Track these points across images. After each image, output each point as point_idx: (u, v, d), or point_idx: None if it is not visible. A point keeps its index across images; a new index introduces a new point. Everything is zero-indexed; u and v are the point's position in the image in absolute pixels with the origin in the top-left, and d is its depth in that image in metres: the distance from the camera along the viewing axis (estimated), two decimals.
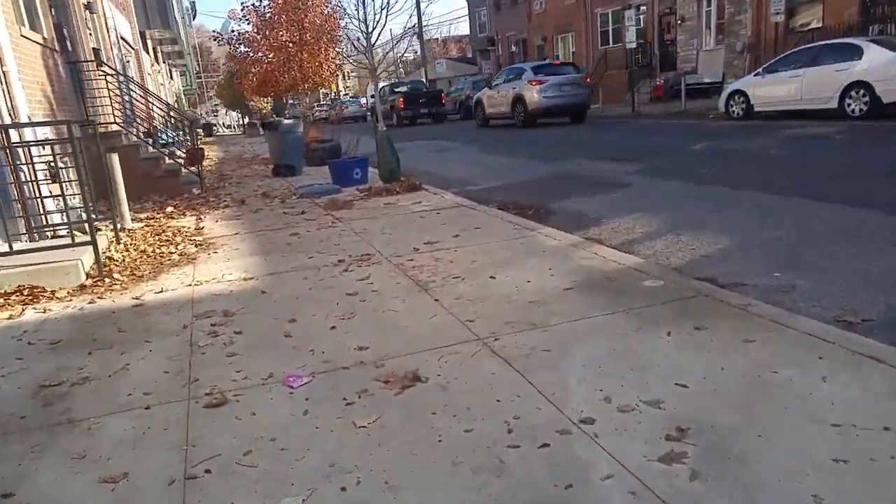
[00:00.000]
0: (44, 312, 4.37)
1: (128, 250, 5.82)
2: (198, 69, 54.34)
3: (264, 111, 30.62)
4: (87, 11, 11.71)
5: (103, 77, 10.68)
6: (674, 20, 27.78)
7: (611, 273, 4.24)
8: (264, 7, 15.53)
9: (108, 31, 13.75)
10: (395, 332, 3.50)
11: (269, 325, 3.79)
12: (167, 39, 24.49)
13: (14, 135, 6.06)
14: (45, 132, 6.52)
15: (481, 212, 6.87)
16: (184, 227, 7.17)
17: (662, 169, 9.09)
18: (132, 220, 7.78)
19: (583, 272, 4.30)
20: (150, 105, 13.81)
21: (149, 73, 21.40)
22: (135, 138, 9.83)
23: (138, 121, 13.33)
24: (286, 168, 11.59)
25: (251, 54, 16.59)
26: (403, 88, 31.04)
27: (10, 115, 6.08)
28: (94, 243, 4.92)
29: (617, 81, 28.76)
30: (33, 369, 3.42)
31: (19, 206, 5.80)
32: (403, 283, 4.42)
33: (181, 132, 19.04)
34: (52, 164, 6.09)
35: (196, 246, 6.02)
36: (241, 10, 16.11)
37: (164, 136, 16.03)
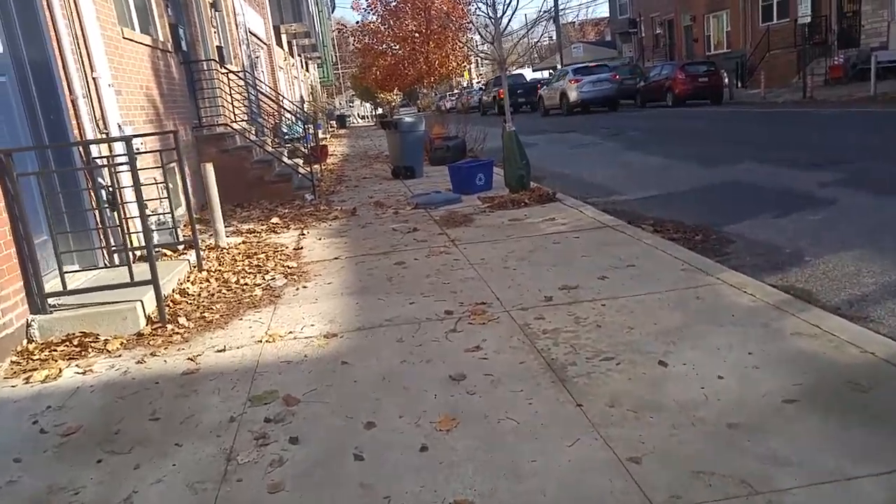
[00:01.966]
0: (83, 374, 3.53)
1: (209, 280, 4.97)
2: (335, 60, 55.52)
3: (392, 104, 30.26)
4: (213, 10, 11.33)
5: (225, 75, 10.21)
6: None
7: (854, 371, 2.73)
8: None
9: (236, 28, 13.46)
10: (512, 478, 2.25)
11: (337, 432, 2.67)
12: (301, 33, 24.53)
13: (102, 148, 5.41)
14: (141, 143, 5.86)
15: (632, 237, 5.44)
16: (282, 245, 6.31)
17: (875, 179, 7.09)
18: (233, 232, 7.06)
19: (805, 364, 2.83)
20: (276, 101, 13.40)
21: (280, 67, 21.40)
22: (249, 140, 9.23)
23: (264, 117, 12.93)
24: (405, 170, 10.62)
25: (375, 46, 15.86)
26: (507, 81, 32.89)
27: (95, 127, 5.43)
28: (155, 283, 4.05)
29: (783, 63, 25.58)
30: (22, 485, 2.52)
31: (100, 232, 5.11)
32: (529, 362, 3.15)
33: (309, 126, 18.83)
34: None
35: (286, 276, 5.08)
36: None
37: (290, 132, 15.73)
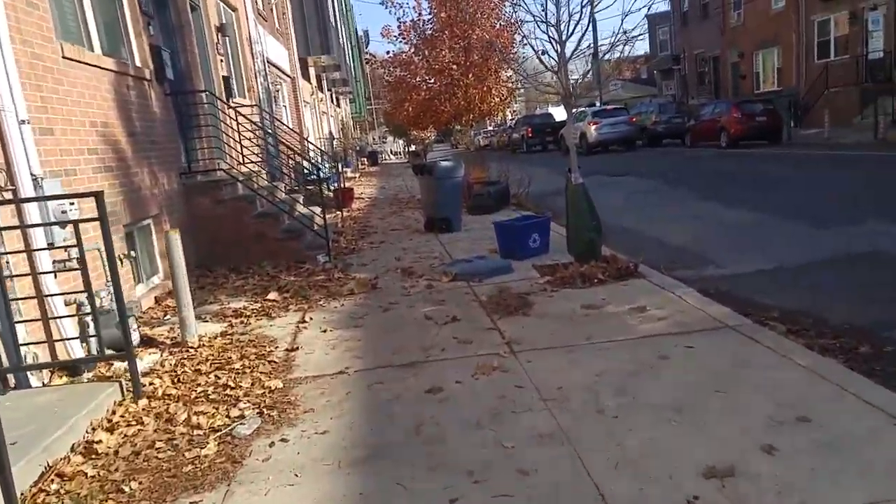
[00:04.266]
0: None
1: (143, 419, 3.28)
2: (368, 95, 54.67)
3: (426, 140, 28.85)
4: (220, 34, 9.94)
5: (233, 110, 8.74)
6: None
7: None
8: (424, 23, 13.24)
9: (251, 58, 12.09)
10: None
11: None
12: (330, 66, 23.33)
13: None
14: (69, 207, 4.26)
15: (774, 350, 3.66)
16: (272, 341, 4.63)
17: None
18: (214, 314, 5.43)
19: None
20: (298, 139, 11.95)
21: (307, 102, 20.11)
22: (251, 188, 7.66)
23: (282, 158, 11.46)
24: (441, 222, 8.96)
25: (408, 79, 14.35)
26: (535, 120, 35.04)
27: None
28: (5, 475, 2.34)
29: (843, 101, 23.62)
30: None
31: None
32: None
33: (335, 166, 17.39)
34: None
35: (262, 410, 3.38)
36: (398, 27, 13.94)
37: (314, 172, 14.26)
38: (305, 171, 13.28)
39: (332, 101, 29.14)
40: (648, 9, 19.54)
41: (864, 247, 6.19)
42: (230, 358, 4.21)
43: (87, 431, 3.07)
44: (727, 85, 34.40)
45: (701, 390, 3.24)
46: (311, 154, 14.92)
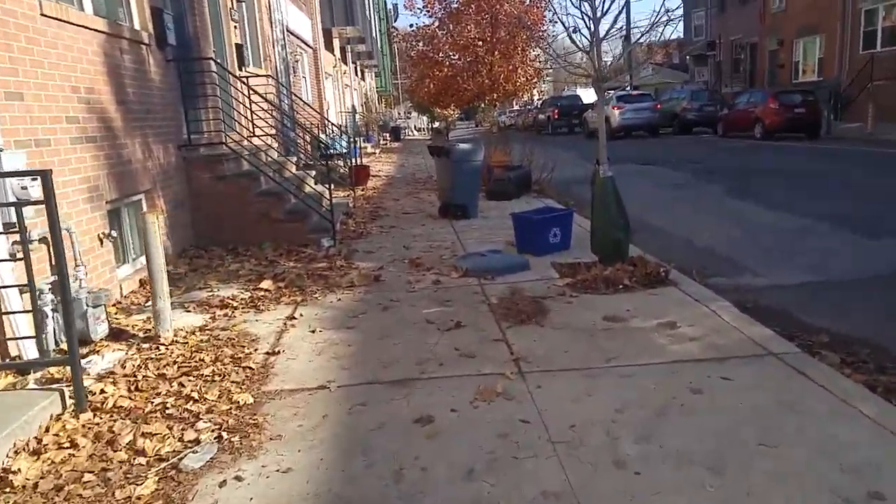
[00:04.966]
0: None
1: (79, 440, 2.79)
2: (395, 70, 53.74)
3: (449, 118, 28.11)
4: (235, 0, 9.38)
5: (243, 80, 8.22)
6: None
7: None
8: None
9: (270, 26, 11.54)
10: None
11: None
12: (355, 38, 22.66)
13: None
14: (31, 184, 3.77)
15: (829, 390, 3.09)
16: (253, 340, 4.15)
17: None
18: (199, 303, 4.96)
19: None
20: (317, 112, 11.43)
21: (329, 74, 19.54)
22: (256, 163, 7.15)
23: (298, 132, 10.95)
24: (456, 208, 8.41)
25: (430, 54, 13.66)
26: (562, 102, 34.09)
27: None
28: None
29: (888, 95, 22.48)
30: None
31: None
32: None
33: (356, 140, 16.82)
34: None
35: (222, 434, 2.89)
36: None
37: (333, 146, 13.73)
38: (322, 145, 12.78)
39: (356, 73, 28.48)
40: None
41: None
42: (202, 360, 3.73)
43: (7, 455, 2.60)
44: (763, 74, 33.17)
45: (742, 442, 2.69)
46: (329, 128, 14.39)
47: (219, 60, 7.91)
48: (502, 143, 12.42)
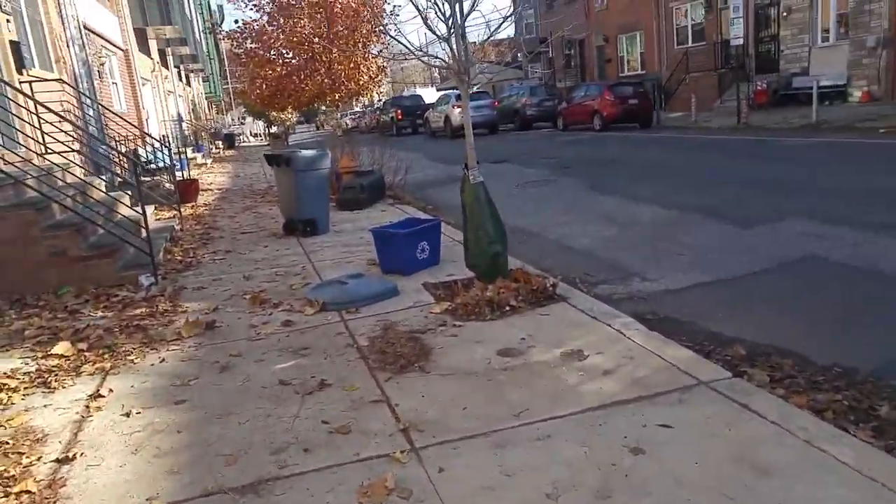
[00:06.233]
0: None
1: None
2: (224, 74, 50.65)
3: (288, 122, 26.54)
4: None
5: (27, 84, 6.63)
6: (775, 13, 23.16)
7: None
8: None
9: (60, 22, 9.76)
10: None
11: None
12: (175, 40, 20.58)
13: None
14: None
15: (780, 426, 2.55)
16: (33, 447, 2.98)
17: None
18: None
19: None
20: (134, 123, 9.83)
21: (146, 80, 17.49)
22: (41, 191, 5.69)
23: (109, 144, 9.32)
24: (304, 224, 7.40)
25: (260, 52, 12.41)
26: (405, 102, 33.89)
27: None
28: None
29: (704, 86, 24.19)
30: None
31: None
32: None
33: (180, 151, 15.08)
34: None
35: None
36: None
37: (155, 160, 12.04)
38: (140, 160, 11.11)
39: (180, 79, 26.07)
40: None
41: (797, 251, 5.38)
42: None
43: None
44: (593, 68, 34.80)
45: None
46: (150, 140, 12.66)
47: None
48: (349, 146, 11.52)
